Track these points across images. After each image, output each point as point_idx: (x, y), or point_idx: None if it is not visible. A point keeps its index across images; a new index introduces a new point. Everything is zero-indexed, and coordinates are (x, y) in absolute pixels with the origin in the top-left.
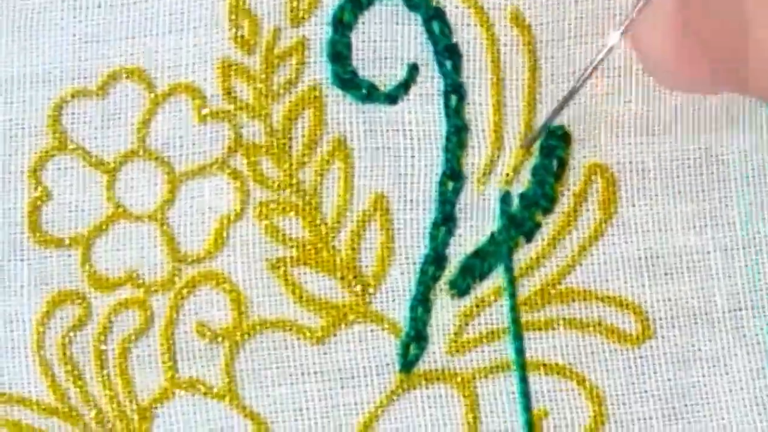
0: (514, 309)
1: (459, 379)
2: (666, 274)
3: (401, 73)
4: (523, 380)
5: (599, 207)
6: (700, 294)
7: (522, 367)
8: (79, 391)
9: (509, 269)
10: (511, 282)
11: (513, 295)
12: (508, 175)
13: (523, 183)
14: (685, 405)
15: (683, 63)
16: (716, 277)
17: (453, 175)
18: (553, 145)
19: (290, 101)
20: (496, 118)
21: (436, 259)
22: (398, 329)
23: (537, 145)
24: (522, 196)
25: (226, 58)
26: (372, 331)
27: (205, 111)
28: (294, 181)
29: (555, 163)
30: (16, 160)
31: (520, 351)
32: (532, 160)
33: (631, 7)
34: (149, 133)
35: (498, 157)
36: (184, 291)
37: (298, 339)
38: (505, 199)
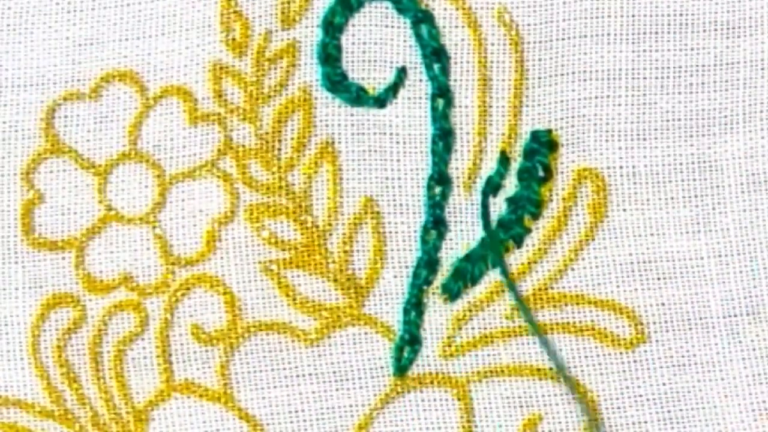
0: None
1: (453, 382)
2: (659, 278)
3: (390, 76)
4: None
5: (589, 211)
6: (694, 299)
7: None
8: (75, 393)
9: (504, 270)
10: (505, 273)
11: (513, 288)
12: (493, 179)
13: (510, 187)
14: (681, 410)
15: None
16: (710, 283)
17: (440, 179)
18: (535, 149)
19: (280, 104)
20: (481, 122)
21: (428, 263)
22: (392, 332)
23: (520, 149)
24: (509, 200)
25: (218, 61)
26: (366, 333)
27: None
28: (283, 183)
29: (539, 167)
30: (9, 163)
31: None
32: (517, 165)
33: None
34: (141, 136)
35: (483, 161)
36: (179, 293)
37: (293, 341)
38: (485, 201)
